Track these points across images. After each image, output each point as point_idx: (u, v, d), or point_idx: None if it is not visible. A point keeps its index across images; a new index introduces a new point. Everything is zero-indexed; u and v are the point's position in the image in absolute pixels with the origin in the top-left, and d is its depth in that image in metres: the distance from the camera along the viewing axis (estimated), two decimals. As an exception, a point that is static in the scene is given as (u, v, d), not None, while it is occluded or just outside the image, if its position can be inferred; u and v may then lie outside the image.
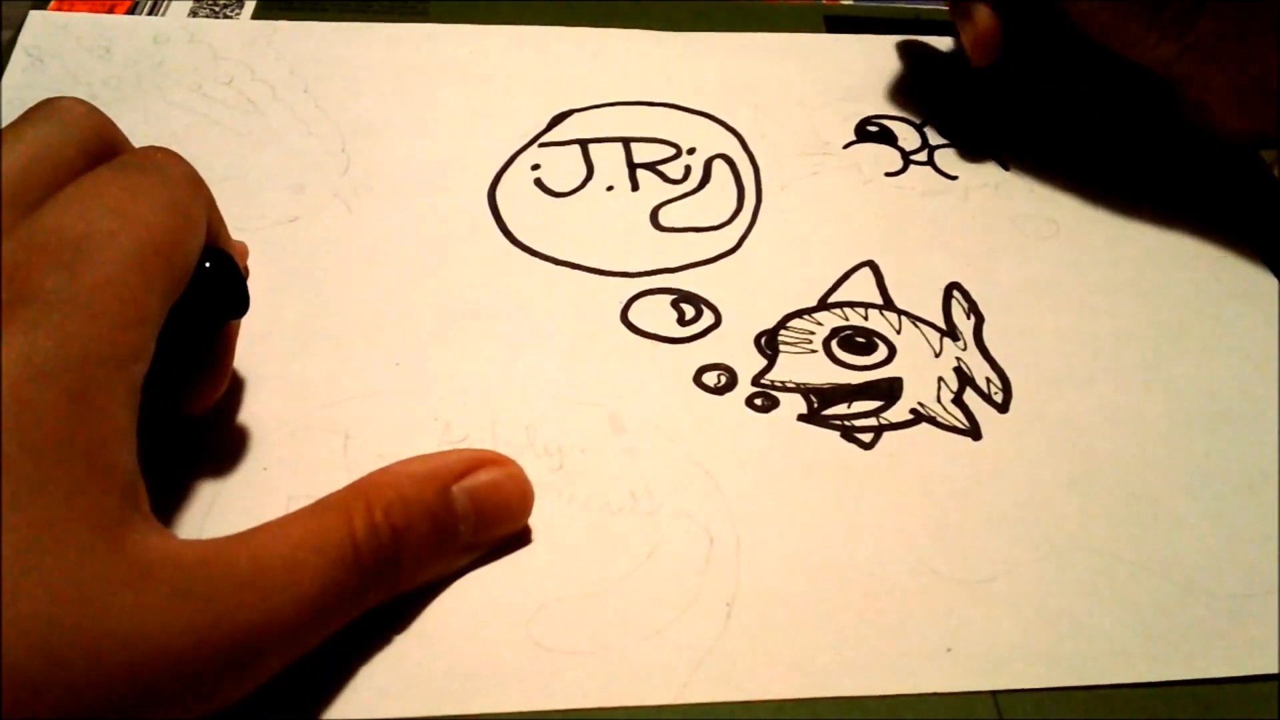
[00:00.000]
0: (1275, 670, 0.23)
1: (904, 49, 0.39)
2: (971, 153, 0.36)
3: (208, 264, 0.23)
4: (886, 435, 0.27)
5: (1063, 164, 0.35)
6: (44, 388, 0.17)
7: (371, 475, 0.22)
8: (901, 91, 0.38)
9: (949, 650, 0.23)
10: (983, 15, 0.34)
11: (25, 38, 0.36)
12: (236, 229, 0.27)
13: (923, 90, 0.38)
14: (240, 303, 0.24)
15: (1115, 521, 0.26)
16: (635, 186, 0.34)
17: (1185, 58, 0.32)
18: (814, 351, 0.29)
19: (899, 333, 0.30)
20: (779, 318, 0.30)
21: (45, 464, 0.17)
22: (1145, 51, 0.32)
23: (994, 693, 0.23)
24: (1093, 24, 0.33)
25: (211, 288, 0.23)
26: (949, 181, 0.35)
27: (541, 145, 0.35)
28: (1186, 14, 0.31)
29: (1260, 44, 0.31)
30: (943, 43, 0.40)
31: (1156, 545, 0.25)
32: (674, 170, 0.34)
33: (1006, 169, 0.35)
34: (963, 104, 0.37)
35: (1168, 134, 0.36)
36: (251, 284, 0.25)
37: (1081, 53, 0.35)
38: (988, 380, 0.29)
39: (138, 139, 0.25)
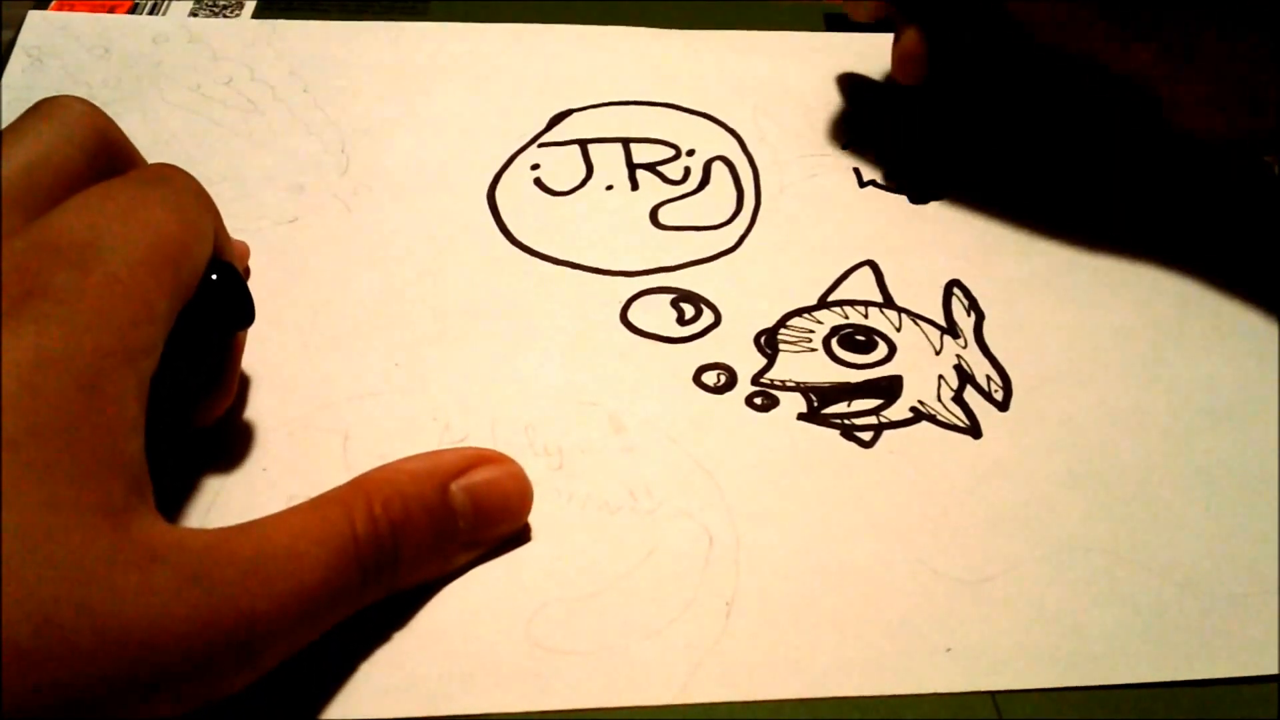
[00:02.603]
0: (1275, 671, 0.23)
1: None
2: (909, 179, 0.34)
3: (214, 276, 0.23)
4: (886, 434, 0.27)
5: (1062, 162, 0.35)
6: (53, 376, 0.18)
7: (371, 472, 0.23)
8: (902, 90, 0.38)
9: (948, 650, 0.23)
10: (908, 36, 0.34)
11: (25, 37, 0.37)
12: (236, 229, 0.27)
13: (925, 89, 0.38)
14: (246, 314, 0.24)
15: (1115, 521, 0.26)
16: (635, 186, 0.34)
17: (1159, 61, 0.31)
18: (814, 350, 0.29)
19: (899, 330, 0.30)
20: (779, 316, 0.30)
21: (52, 448, 0.17)
22: (1114, 56, 0.31)
23: (993, 693, 0.23)
24: (1054, 33, 0.31)
25: (218, 299, 0.23)
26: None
27: (541, 145, 0.35)
28: (1159, 16, 0.30)
29: (1239, 46, 0.30)
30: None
31: (1156, 545, 0.25)
32: (673, 171, 0.34)
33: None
34: (898, 128, 0.36)
35: (1156, 137, 0.35)
36: (251, 284, 0.25)
37: (1038, 63, 0.34)
38: (988, 378, 0.29)
39: (137, 139, 0.25)
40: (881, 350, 0.29)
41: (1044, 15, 0.31)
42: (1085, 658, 0.23)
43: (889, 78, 0.37)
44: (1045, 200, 0.34)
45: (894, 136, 0.36)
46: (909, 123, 0.36)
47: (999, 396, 0.28)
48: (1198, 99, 0.31)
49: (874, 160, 0.35)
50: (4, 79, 0.35)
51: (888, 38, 0.39)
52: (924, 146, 0.36)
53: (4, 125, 0.23)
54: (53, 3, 0.38)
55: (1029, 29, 0.32)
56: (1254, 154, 0.36)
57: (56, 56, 0.36)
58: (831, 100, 0.37)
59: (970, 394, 0.28)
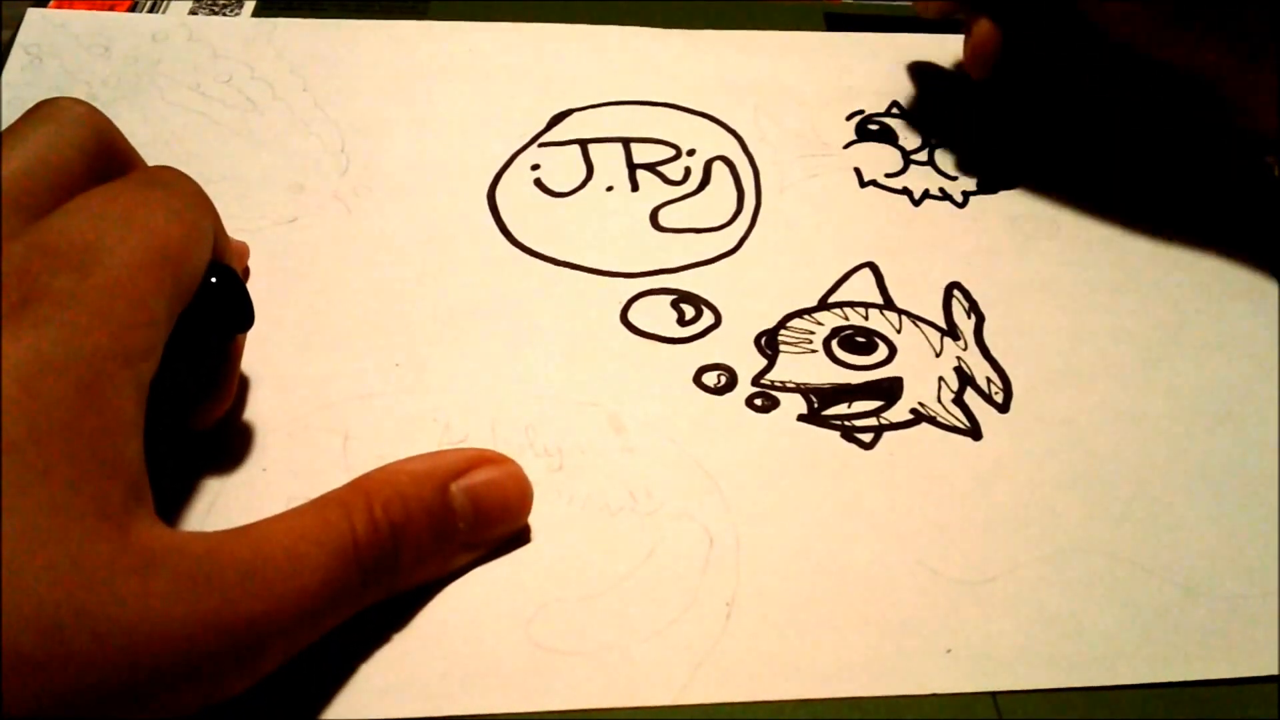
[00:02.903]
0: (1275, 672, 0.23)
1: (908, 49, 0.39)
2: (979, 166, 0.35)
3: (213, 279, 0.23)
4: (887, 435, 0.27)
5: (1064, 163, 0.35)
6: (53, 379, 0.18)
7: (371, 473, 0.23)
8: (902, 91, 0.38)
9: (949, 651, 0.23)
10: (981, 27, 0.34)
11: (24, 36, 0.36)
12: (236, 229, 0.27)
13: (925, 90, 0.38)
14: (245, 317, 0.24)
15: (1115, 521, 0.26)
16: (635, 187, 0.34)
17: (1227, 58, 0.31)
18: (814, 351, 0.29)
19: (899, 332, 0.30)
20: (779, 318, 0.30)
21: (52, 451, 0.17)
22: (1184, 54, 0.31)
23: (994, 693, 0.23)
24: (1125, 28, 0.32)
25: (217, 302, 0.23)
26: (949, 181, 0.35)
27: (541, 145, 0.35)
28: (1227, 15, 0.30)
29: None
30: (947, 42, 0.40)
31: (1156, 546, 0.25)
32: (674, 171, 0.34)
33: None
34: (969, 116, 0.37)
35: (1191, 135, 0.35)
36: (251, 285, 0.25)
37: (1105, 60, 0.34)
38: (988, 380, 0.29)
39: (137, 139, 0.25)
40: (882, 352, 0.29)
41: (1116, 13, 0.31)
42: (1086, 659, 0.23)
43: (954, 71, 0.37)
44: (1045, 202, 0.34)
45: (967, 128, 0.36)
46: (981, 114, 0.37)
47: (999, 398, 0.28)
48: (1265, 98, 0.31)
49: (959, 157, 0.35)
50: (3, 78, 0.35)
51: (890, 37, 0.40)
52: (996, 138, 0.36)
53: (3, 125, 0.23)
54: (52, 1, 0.38)
55: (1101, 27, 0.32)
56: (1256, 154, 0.36)
57: (56, 55, 0.36)
58: (832, 100, 0.37)
59: (970, 396, 0.28)
